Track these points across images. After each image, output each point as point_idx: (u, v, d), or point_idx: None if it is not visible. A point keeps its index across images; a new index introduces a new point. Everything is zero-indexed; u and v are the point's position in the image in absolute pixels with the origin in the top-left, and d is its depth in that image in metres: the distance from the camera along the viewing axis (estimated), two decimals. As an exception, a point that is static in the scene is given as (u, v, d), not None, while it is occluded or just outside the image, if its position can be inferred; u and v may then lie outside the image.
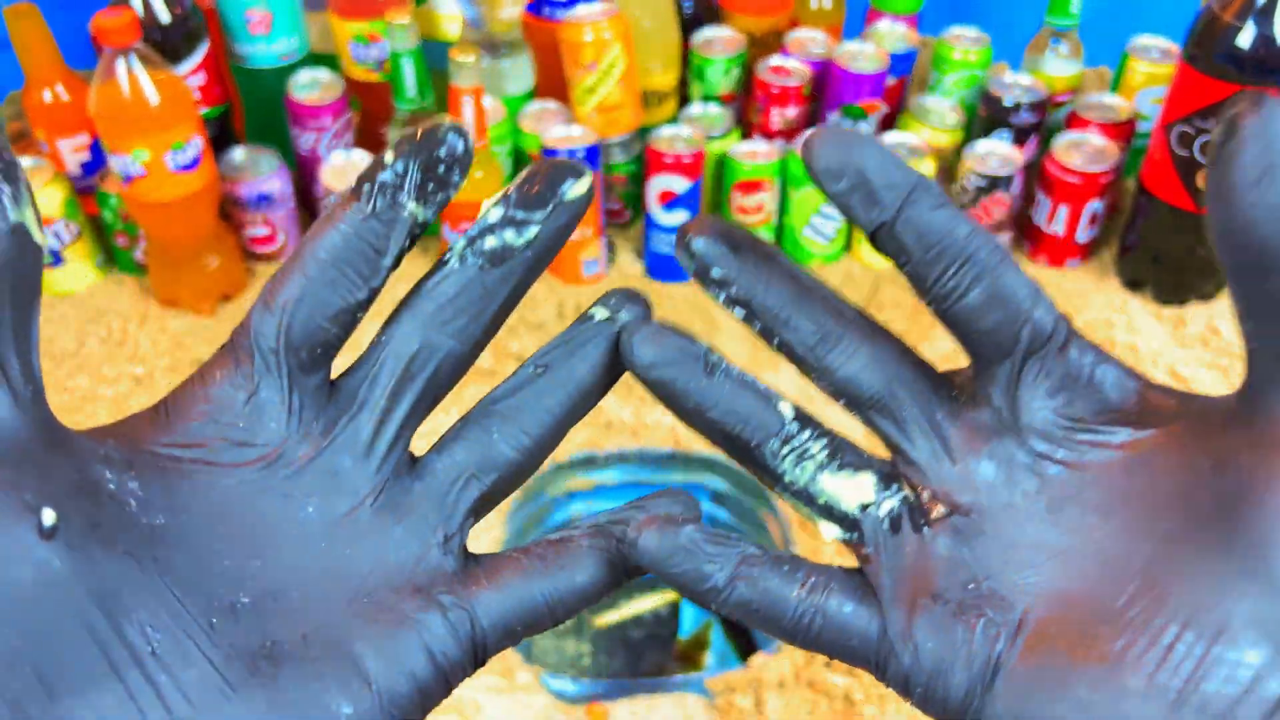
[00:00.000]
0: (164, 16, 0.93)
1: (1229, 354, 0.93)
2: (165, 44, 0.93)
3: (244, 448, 0.26)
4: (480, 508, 0.28)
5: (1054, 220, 0.99)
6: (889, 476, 0.28)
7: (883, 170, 0.25)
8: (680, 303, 0.98)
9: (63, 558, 0.22)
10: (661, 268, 1.00)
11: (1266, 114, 0.22)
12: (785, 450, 0.27)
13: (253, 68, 1.00)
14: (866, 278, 1.01)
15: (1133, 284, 0.99)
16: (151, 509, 0.25)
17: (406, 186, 0.26)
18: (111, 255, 1.00)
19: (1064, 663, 0.23)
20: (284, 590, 0.26)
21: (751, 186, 0.95)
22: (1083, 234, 0.99)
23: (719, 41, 1.04)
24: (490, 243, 0.27)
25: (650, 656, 0.95)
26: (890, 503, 0.27)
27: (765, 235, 0.98)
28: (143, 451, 0.25)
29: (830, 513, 0.28)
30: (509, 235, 0.27)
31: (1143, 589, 0.24)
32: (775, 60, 1.02)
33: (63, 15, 0.98)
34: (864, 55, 0.99)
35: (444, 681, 0.26)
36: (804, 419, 0.28)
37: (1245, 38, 0.82)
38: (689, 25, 1.05)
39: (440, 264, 0.28)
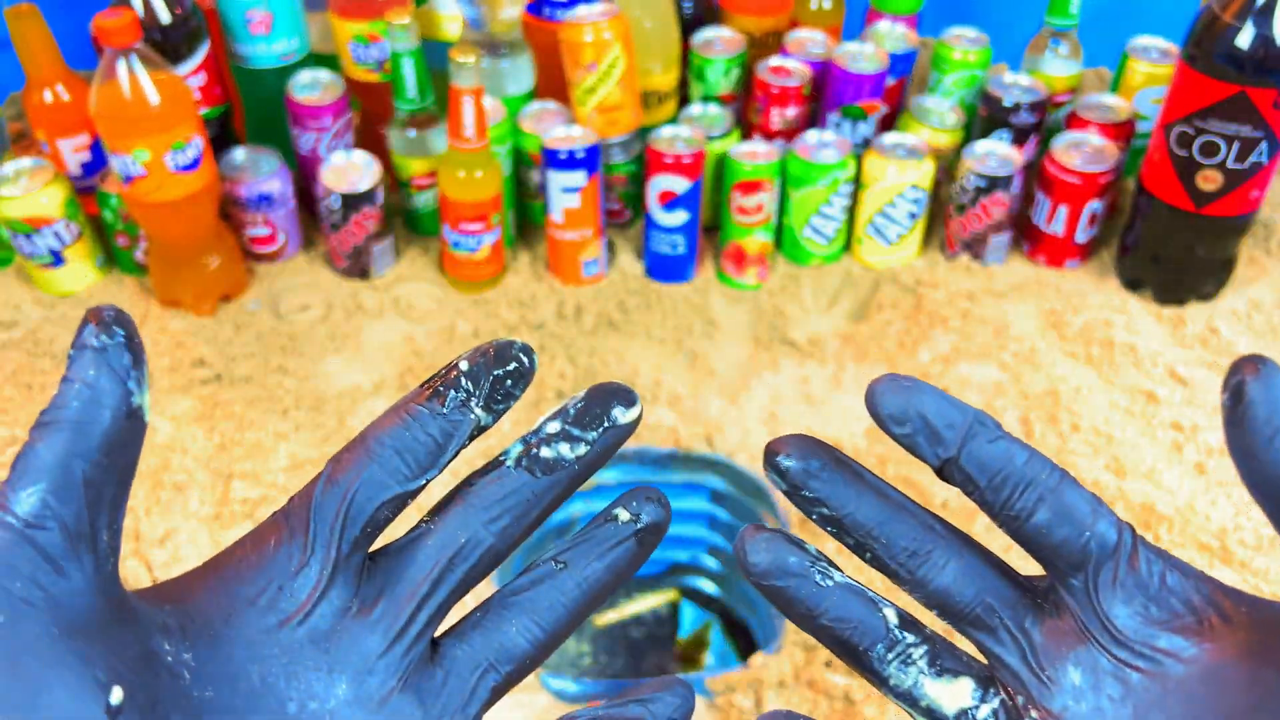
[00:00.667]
0: (164, 17, 0.93)
1: (1228, 354, 0.93)
2: (166, 44, 0.93)
3: (289, 617, 0.28)
4: (494, 698, 0.29)
5: (1053, 220, 0.99)
6: (986, 681, 0.29)
7: (942, 413, 0.28)
8: (680, 303, 0.99)
9: None
10: (661, 268, 1.00)
11: (1266, 378, 0.25)
12: (891, 655, 0.29)
13: (253, 68, 1.00)
14: (866, 278, 1.01)
15: (1132, 284, 1.00)
16: (202, 681, 0.26)
17: (478, 396, 0.29)
18: (112, 255, 1.00)
19: None
20: None
21: (751, 187, 0.95)
22: (1082, 234, 0.99)
23: (719, 42, 1.04)
24: (546, 453, 0.29)
25: (650, 656, 0.95)
26: (987, 708, 0.29)
27: (765, 235, 0.98)
28: (197, 618, 0.27)
29: (932, 715, 0.29)
30: (563, 449, 0.29)
31: None
32: (775, 60, 1.02)
33: (63, 16, 0.98)
34: (864, 55, 1.00)
35: None
36: (907, 623, 0.29)
37: (1244, 38, 0.82)
38: (689, 26, 1.05)
39: (495, 463, 0.29)
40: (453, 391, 0.28)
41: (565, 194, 0.94)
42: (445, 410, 0.28)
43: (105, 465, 0.24)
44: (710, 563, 0.95)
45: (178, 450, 0.85)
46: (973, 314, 0.97)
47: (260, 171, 0.97)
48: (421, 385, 0.29)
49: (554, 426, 0.29)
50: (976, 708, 0.29)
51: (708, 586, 0.97)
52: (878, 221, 0.99)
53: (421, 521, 0.29)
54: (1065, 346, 0.94)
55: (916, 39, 1.07)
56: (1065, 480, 0.28)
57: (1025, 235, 1.02)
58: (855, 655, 0.29)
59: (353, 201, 0.95)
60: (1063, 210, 0.98)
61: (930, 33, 1.13)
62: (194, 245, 0.94)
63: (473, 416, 0.29)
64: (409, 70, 0.94)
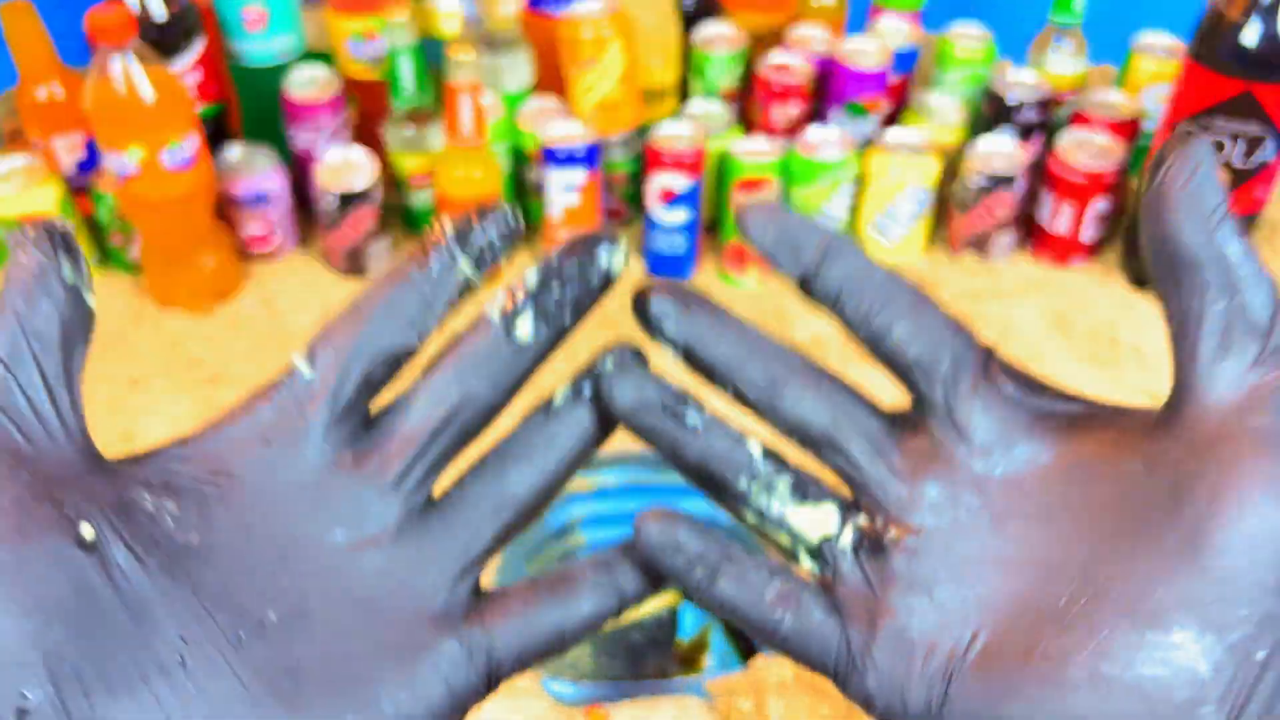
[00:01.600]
0: (159, 13, 0.92)
1: (1235, 354, 0.92)
2: (161, 41, 0.92)
3: (280, 473, 0.28)
4: (495, 545, 0.30)
5: (1058, 219, 0.98)
6: (849, 506, 0.29)
7: (804, 230, 0.30)
8: (681, 302, 0.98)
9: (98, 571, 0.24)
10: (661, 266, 0.99)
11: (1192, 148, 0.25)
12: (753, 485, 0.30)
13: (249, 65, 1.00)
14: (868, 277, 1.00)
15: (1138, 283, 0.99)
16: (186, 527, 0.26)
17: (464, 255, 0.30)
18: (107, 254, 1.00)
19: (1013, 666, 0.25)
20: (310, 610, 0.27)
21: (753, 185, 0.94)
22: (1087, 233, 0.98)
23: (720, 38, 1.03)
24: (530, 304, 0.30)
25: (650, 659, 0.94)
26: (850, 531, 0.29)
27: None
28: (180, 474, 0.27)
29: (796, 543, 0.29)
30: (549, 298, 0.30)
31: (1081, 587, 0.25)
32: (777, 57, 1.01)
33: (57, 12, 0.97)
34: (866, 52, 0.99)
35: (460, 709, 0.27)
36: (771, 456, 0.30)
37: (1250, 35, 0.81)
38: (689, 21, 1.04)
39: (481, 321, 0.30)
40: (436, 253, 0.29)
41: (565, 192, 0.93)
42: (432, 271, 0.29)
43: (51, 339, 0.26)
44: (711, 564, 0.95)
45: (173, 451, 0.84)
46: (977, 313, 0.96)
47: (256, 169, 0.96)
48: (409, 256, 0.30)
49: (535, 278, 0.30)
50: (839, 533, 0.29)
51: (708, 588, 0.96)
52: (880, 220, 0.98)
53: (417, 379, 0.30)
54: (1071, 345, 0.94)
55: (920, 35, 1.06)
56: (926, 301, 0.29)
57: (1030, 234, 1.01)
58: (720, 488, 0.30)
59: (349, 200, 0.94)
60: (1067, 209, 0.97)
61: (934, 29, 1.12)
62: (189, 244, 0.93)
63: (459, 275, 0.30)
64: (406, 67, 0.93)
